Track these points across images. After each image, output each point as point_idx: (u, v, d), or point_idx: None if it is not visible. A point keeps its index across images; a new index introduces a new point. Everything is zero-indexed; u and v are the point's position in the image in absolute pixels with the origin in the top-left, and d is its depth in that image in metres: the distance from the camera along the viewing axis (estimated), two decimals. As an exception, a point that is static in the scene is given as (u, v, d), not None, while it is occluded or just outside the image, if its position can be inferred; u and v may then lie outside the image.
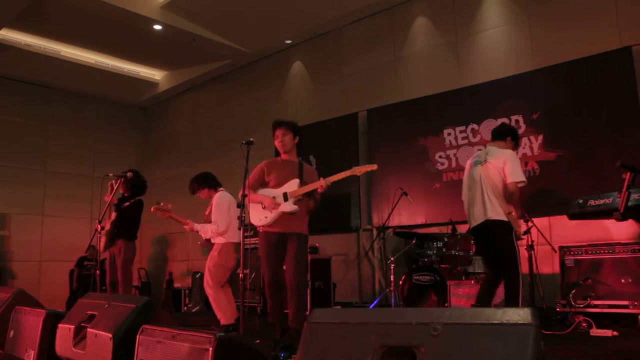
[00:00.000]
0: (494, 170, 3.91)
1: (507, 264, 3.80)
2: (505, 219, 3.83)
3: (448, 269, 5.22)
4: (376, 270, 6.83)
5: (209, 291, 4.58)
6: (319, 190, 3.77)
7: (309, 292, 5.94)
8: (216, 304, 4.57)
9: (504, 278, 3.87)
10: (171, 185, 9.57)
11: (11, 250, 9.07)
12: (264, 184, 3.98)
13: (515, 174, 3.82)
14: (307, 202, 3.91)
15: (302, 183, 3.84)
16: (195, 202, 5.45)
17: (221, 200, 4.74)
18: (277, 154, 4.20)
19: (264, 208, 3.87)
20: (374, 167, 3.77)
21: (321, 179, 3.75)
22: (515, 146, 4.18)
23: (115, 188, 5.21)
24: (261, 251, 3.88)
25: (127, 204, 5.28)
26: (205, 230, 4.68)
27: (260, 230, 3.92)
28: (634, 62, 5.14)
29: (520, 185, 3.83)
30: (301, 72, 8.38)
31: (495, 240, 3.91)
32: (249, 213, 3.87)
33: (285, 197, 3.84)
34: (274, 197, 3.86)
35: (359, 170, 3.68)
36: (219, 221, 4.61)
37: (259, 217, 3.88)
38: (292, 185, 3.85)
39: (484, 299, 4.03)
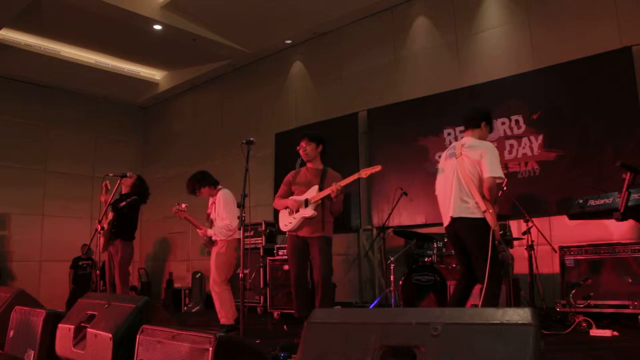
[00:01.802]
0: (469, 164, 3.57)
1: (482, 267, 3.39)
2: (481, 216, 3.46)
3: (448, 269, 5.22)
4: (376, 270, 6.83)
5: (217, 288, 4.60)
6: (331, 195, 3.95)
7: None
8: (221, 301, 4.59)
9: (481, 283, 3.46)
10: (171, 185, 9.56)
11: (11, 250, 9.07)
12: (292, 194, 4.29)
13: (493, 169, 3.46)
14: (329, 207, 4.12)
15: (321, 189, 4.08)
16: (194, 202, 5.45)
17: (228, 197, 4.80)
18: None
19: (290, 213, 4.16)
20: (379, 168, 3.92)
21: (332, 184, 3.95)
22: (490, 130, 3.85)
23: (113, 188, 5.22)
24: (287, 253, 4.26)
25: (123, 203, 5.26)
26: (220, 232, 4.67)
27: (287, 235, 4.25)
28: (634, 62, 5.14)
29: (497, 181, 3.49)
30: (301, 72, 8.38)
31: (469, 241, 3.54)
32: (279, 219, 4.28)
33: (307, 203, 4.11)
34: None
35: (365, 172, 3.93)
36: (230, 218, 4.64)
37: (284, 222, 4.22)
38: (312, 192, 4.13)
39: (456, 302, 3.67)
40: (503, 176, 3.56)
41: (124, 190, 5.40)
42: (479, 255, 3.45)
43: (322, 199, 4.06)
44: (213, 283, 4.61)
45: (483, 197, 3.48)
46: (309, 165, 4.30)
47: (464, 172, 3.57)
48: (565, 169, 5.47)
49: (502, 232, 4.93)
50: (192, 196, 5.00)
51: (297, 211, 4.12)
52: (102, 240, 5.07)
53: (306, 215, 4.05)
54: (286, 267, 6.46)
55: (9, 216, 9.15)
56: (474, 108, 3.92)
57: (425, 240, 5.55)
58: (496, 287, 3.43)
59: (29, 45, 8.50)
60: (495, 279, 3.41)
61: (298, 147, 4.28)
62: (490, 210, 3.44)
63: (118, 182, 5.11)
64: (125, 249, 5.18)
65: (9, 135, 9.26)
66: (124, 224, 5.24)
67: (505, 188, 5.00)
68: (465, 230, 3.56)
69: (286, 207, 4.22)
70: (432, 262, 5.21)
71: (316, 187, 4.12)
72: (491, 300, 3.38)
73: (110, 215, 5.21)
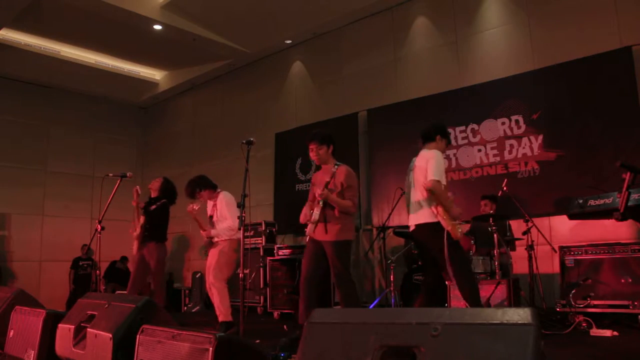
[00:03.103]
0: (419, 173, 3.80)
1: (443, 267, 3.64)
2: (434, 220, 3.68)
3: (448, 269, 5.22)
4: (376, 270, 6.83)
5: (218, 285, 4.63)
6: (318, 199, 3.92)
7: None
8: (221, 298, 4.62)
9: (447, 281, 3.68)
10: (171, 185, 9.55)
11: (11, 250, 9.07)
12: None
13: (435, 172, 3.65)
14: (332, 209, 3.98)
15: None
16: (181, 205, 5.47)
17: (229, 198, 4.86)
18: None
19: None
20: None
21: (322, 189, 3.93)
22: (447, 143, 4.02)
23: (115, 188, 5.22)
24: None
25: (153, 207, 5.41)
26: (223, 232, 4.73)
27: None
28: (634, 62, 5.14)
29: (439, 185, 3.65)
30: (301, 72, 8.38)
31: (427, 245, 3.79)
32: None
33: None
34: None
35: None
36: (232, 218, 4.68)
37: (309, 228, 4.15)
38: None
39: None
40: (445, 182, 3.73)
41: (153, 194, 5.56)
42: (439, 256, 3.66)
43: (324, 202, 3.99)
44: (214, 280, 4.63)
45: (434, 201, 3.69)
46: (323, 166, 4.22)
47: (417, 182, 3.82)
48: (565, 169, 5.47)
49: (506, 232, 4.95)
50: (188, 199, 5.03)
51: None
52: (135, 243, 5.32)
53: (311, 220, 4.01)
54: (286, 267, 6.47)
55: (9, 216, 9.15)
56: (430, 124, 4.06)
57: (425, 240, 5.54)
58: (464, 286, 3.62)
59: (29, 45, 8.50)
60: (462, 278, 3.61)
61: (309, 150, 4.16)
62: (442, 214, 3.63)
63: (118, 181, 5.12)
64: (160, 251, 5.32)
65: (9, 135, 9.26)
66: (156, 227, 5.37)
67: (505, 188, 5.00)
68: (424, 235, 3.80)
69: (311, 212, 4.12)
70: (432, 262, 5.20)
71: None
72: (466, 299, 3.60)
73: (142, 218, 5.36)
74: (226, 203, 4.81)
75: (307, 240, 4.17)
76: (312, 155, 4.14)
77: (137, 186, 5.50)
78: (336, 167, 4.13)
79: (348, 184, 3.98)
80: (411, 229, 3.91)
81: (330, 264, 3.95)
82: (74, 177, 9.92)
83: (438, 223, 3.66)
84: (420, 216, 3.78)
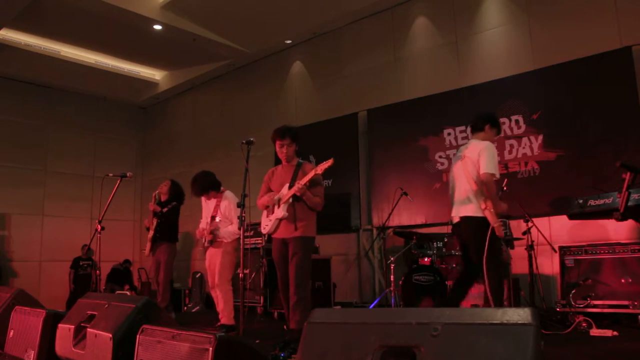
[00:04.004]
0: (470, 164, 3.73)
1: (479, 262, 3.58)
2: (481, 215, 3.63)
3: (448, 269, 5.22)
4: (376, 270, 6.83)
5: (223, 288, 4.64)
6: (297, 194, 3.81)
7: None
8: (226, 301, 4.64)
9: (481, 279, 3.64)
10: (171, 185, 9.55)
11: (11, 250, 9.07)
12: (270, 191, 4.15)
13: (489, 165, 3.61)
14: (303, 205, 3.93)
15: (292, 187, 3.92)
16: (193, 202, 5.46)
17: (234, 200, 4.86)
18: (277, 153, 4.20)
19: (267, 215, 4.07)
20: (330, 162, 3.72)
21: (296, 183, 3.83)
22: (497, 132, 3.98)
23: (115, 188, 5.23)
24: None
25: (165, 209, 5.71)
26: (229, 235, 4.74)
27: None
28: (634, 62, 5.14)
29: (494, 178, 3.64)
30: (301, 72, 8.37)
31: (469, 238, 3.76)
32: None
33: (279, 202, 3.99)
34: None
35: (320, 168, 3.74)
36: (235, 218, 4.69)
37: (264, 224, 4.10)
38: (284, 191, 3.99)
39: (452, 299, 3.85)
40: (498, 175, 3.69)
41: (163, 197, 5.92)
42: (477, 250, 3.61)
43: (294, 198, 3.91)
44: (219, 282, 4.63)
45: (483, 195, 3.64)
46: (285, 163, 4.16)
47: (466, 173, 3.74)
48: (565, 169, 5.47)
49: (505, 230, 4.94)
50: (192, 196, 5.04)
51: (273, 212, 4.02)
52: (148, 245, 5.72)
53: (278, 217, 3.94)
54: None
55: (9, 216, 9.15)
56: (479, 113, 4.02)
57: (425, 240, 5.54)
58: (494, 284, 3.56)
59: (29, 45, 8.50)
60: (493, 276, 3.55)
61: (276, 145, 4.06)
62: (490, 209, 3.59)
63: (118, 181, 5.13)
64: (170, 251, 5.71)
65: (9, 135, 9.26)
66: (167, 228, 5.73)
67: (505, 188, 5.00)
68: (467, 229, 3.75)
69: (267, 207, 4.05)
70: (432, 262, 5.21)
71: (287, 186, 3.98)
72: (493, 297, 3.53)
73: (154, 221, 5.71)
74: (233, 204, 4.80)
75: (272, 240, 4.06)
76: (282, 150, 4.03)
77: (156, 192, 5.89)
78: (300, 163, 4.07)
79: (317, 180, 3.92)
80: (455, 220, 3.84)
81: (292, 262, 3.87)
82: (74, 177, 9.92)
83: (484, 218, 3.61)
84: (468, 209, 3.70)
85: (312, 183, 3.88)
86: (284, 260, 4.00)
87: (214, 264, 4.73)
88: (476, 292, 4.72)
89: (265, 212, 4.12)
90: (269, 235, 4.09)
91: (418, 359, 1.49)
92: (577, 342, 3.72)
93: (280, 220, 3.95)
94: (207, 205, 4.99)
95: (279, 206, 3.97)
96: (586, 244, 4.71)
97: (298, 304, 3.81)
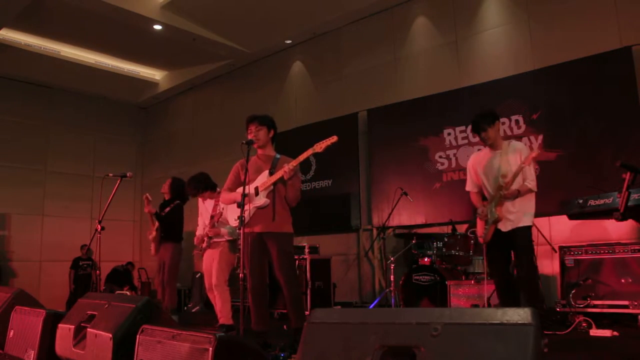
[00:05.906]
0: (515, 166, 3.73)
1: (530, 269, 3.80)
2: (530, 224, 3.77)
3: (448, 269, 5.22)
4: (376, 270, 6.82)
5: (220, 289, 4.63)
6: (284, 177, 3.54)
7: (309, 291, 5.97)
8: (223, 302, 4.63)
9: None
10: (171, 185, 9.55)
11: (11, 250, 9.07)
12: (242, 184, 3.64)
13: (533, 175, 3.75)
14: (283, 196, 3.71)
15: (273, 174, 3.68)
16: (193, 201, 5.46)
17: None
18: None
19: (238, 206, 3.59)
20: (334, 139, 3.56)
21: (285, 165, 3.56)
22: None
23: (115, 188, 5.23)
24: (242, 254, 3.69)
25: (167, 209, 5.59)
26: (225, 233, 4.73)
27: (240, 231, 3.52)
28: (634, 62, 5.14)
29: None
30: (301, 72, 8.37)
31: (522, 246, 3.78)
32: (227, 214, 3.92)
33: (257, 191, 3.70)
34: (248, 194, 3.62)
35: (319, 146, 3.56)
36: (230, 218, 4.65)
37: (234, 217, 3.66)
38: (262, 178, 3.72)
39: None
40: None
41: (166, 196, 5.75)
42: (526, 254, 3.74)
43: (275, 186, 3.65)
44: (217, 282, 4.62)
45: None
46: (259, 152, 3.89)
47: (512, 174, 3.72)
48: (565, 169, 5.46)
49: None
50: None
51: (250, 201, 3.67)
52: (153, 245, 5.55)
53: (258, 204, 3.63)
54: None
55: (9, 216, 9.15)
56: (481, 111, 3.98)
57: (425, 240, 5.54)
58: (536, 279, 3.80)
59: (29, 45, 8.50)
60: (535, 272, 3.79)
61: (247, 132, 3.85)
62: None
63: (118, 181, 5.13)
64: (175, 251, 5.52)
65: (9, 135, 9.26)
66: (172, 228, 5.56)
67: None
68: (524, 238, 3.76)
69: (235, 202, 3.66)
70: (432, 262, 5.21)
71: (266, 173, 3.71)
72: (535, 291, 3.68)
73: (156, 223, 5.57)
74: (230, 205, 4.78)
75: (242, 234, 3.51)
76: (251, 137, 3.80)
77: (147, 193, 5.62)
78: (280, 155, 3.85)
79: (296, 173, 3.68)
80: (506, 229, 3.74)
81: (278, 262, 3.62)
82: (74, 177, 9.92)
83: (530, 226, 3.73)
84: (520, 220, 3.71)
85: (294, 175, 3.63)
86: (260, 259, 3.68)
87: (211, 266, 4.73)
88: (476, 292, 4.73)
89: (234, 204, 3.75)
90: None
91: (418, 359, 1.49)
92: (577, 342, 3.71)
93: (259, 208, 3.63)
94: (205, 207, 5.00)
95: (256, 195, 3.67)
96: (586, 244, 4.70)
97: (295, 304, 3.71)
